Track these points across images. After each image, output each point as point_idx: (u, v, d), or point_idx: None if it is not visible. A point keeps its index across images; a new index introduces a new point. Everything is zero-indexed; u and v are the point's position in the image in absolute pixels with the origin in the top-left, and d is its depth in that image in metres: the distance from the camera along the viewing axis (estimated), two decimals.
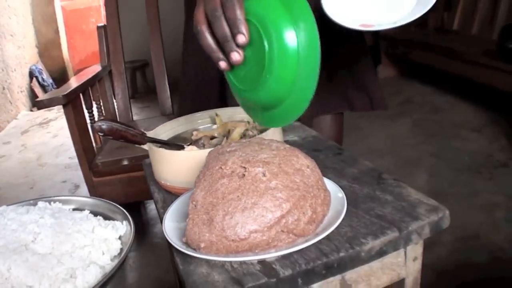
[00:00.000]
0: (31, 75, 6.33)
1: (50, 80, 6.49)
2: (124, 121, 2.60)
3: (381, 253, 0.87)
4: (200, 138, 1.22)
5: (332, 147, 1.29)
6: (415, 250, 0.95)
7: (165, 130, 1.29)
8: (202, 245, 0.79)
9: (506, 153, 3.05)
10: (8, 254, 0.92)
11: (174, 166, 1.09)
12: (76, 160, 3.75)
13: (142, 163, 1.40)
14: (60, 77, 6.78)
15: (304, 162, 0.87)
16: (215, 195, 0.80)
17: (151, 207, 2.87)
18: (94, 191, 2.12)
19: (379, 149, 3.30)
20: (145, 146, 1.17)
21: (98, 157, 2.16)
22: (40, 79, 6.33)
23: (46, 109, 5.76)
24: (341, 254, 0.83)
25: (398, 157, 3.16)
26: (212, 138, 1.25)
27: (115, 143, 2.28)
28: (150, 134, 1.20)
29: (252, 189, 0.79)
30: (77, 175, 3.52)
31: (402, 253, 0.93)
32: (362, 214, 0.93)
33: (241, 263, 0.83)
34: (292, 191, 0.80)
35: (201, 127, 1.36)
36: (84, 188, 3.27)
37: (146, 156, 1.95)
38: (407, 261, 0.95)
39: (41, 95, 6.17)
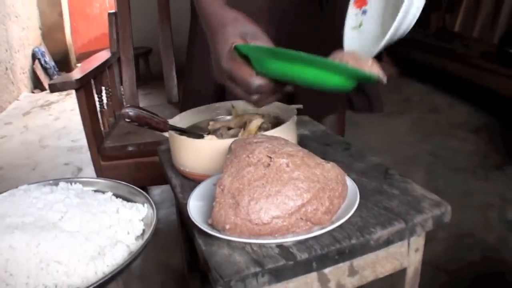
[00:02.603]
0: (34, 57, 6.34)
1: (52, 63, 6.50)
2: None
3: (388, 242, 0.93)
4: (219, 128, 1.27)
5: (341, 142, 1.35)
6: (418, 242, 1.01)
7: (184, 119, 1.34)
8: (227, 227, 0.84)
9: (501, 155, 3.10)
10: (36, 231, 0.94)
11: (194, 154, 1.14)
12: (78, 143, 3.83)
13: (157, 149, 1.44)
14: (62, 60, 6.79)
15: (324, 160, 0.93)
16: (241, 181, 0.86)
17: (154, 192, 2.91)
18: (101, 175, 2.16)
19: (378, 146, 3.34)
20: (166, 134, 1.22)
21: (106, 141, 2.20)
22: (42, 61, 6.33)
23: (47, 91, 5.80)
24: (353, 241, 0.89)
25: (396, 154, 3.20)
26: (229, 128, 1.30)
27: (123, 129, 2.33)
28: (171, 122, 1.25)
29: (276, 178, 0.85)
30: (80, 158, 3.56)
31: (405, 244, 1.00)
32: (371, 206, 0.99)
33: (261, 246, 0.88)
34: (312, 182, 0.86)
35: (218, 117, 1.41)
36: (86, 171, 3.31)
37: (155, 143, 2.01)
38: (410, 252, 1.01)
39: (43, 78, 6.20)
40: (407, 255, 1.02)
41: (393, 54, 5.08)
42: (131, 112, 1.10)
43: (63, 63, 6.77)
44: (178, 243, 1.57)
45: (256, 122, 1.23)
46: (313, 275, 0.93)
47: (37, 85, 6.23)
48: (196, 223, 0.90)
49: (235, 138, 1.07)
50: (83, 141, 3.75)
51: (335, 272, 0.95)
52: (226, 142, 1.10)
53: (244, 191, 0.84)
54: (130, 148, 2.14)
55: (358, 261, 0.96)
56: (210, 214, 0.92)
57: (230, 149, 0.97)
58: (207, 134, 1.26)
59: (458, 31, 4.53)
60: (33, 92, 6.11)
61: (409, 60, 4.92)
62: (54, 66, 6.52)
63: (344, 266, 0.95)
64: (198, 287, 1.64)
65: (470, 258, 2.09)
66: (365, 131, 3.49)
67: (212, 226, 0.89)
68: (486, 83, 3.59)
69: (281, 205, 0.84)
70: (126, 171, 2.14)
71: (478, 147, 3.24)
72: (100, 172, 2.16)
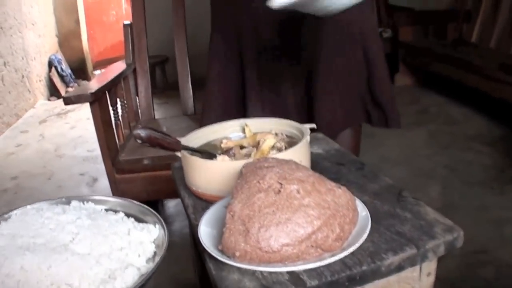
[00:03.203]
0: (50, 64, 6.35)
1: (69, 71, 6.52)
2: (146, 119, 2.66)
3: (399, 268, 0.93)
4: (231, 148, 1.27)
5: (355, 161, 1.34)
6: (430, 266, 1.01)
7: (197, 137, 1.34)
8: (237, 253, 0.85)
9: None
10: (48, 253, 0.95)
11: (207, 175, 1.14)
12: (94, 153, 3.84)
13: (171, 166, 1.44)
14: (79, 68, 6.81)
15: (336, 184, 0.93)
16: (251, 208, 0.86)
17: (168, 204, 2.90)
18: (116, 188, 2.17)
19: (393, 158, 3.33)
20: (178, 153, 1.22)
21: (121, 154, 2.21)
22: (59, 69, 6.35)
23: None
24: (363, 267, 0.89)
25: (412, 167, 3.19)
26: (242, 147, 1.30)
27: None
28: (182, 140, 1.25)
29: (287, 205, 0.85)
30: (95, 168, 3.56)
31: (417, 268, 0.99)
32: (383, 230, 0.99)
33: (271, 272, 0.88)
34: (323, 209, 0.86)
35: (231, 135, 1.40)
36: (102, 182, 3.31)
37: (170, 156, 2.00)
38: (422, 276, 1.01)
39: (60, 85, 6.22)
40: (418, 279, 1.01)
41: (409, 64, 5.07)
42: (142, 133, 1.11)
43: (80, 70, 6.78)
44: (192, 257, 1.56)
45: (269, 142, 1.23)
46: None
47: (53, 92, 6.25)
48: (207, 249, 0.90)
49: (247, 160, 1.07)
50: (99, 151, 3.77)
51: None
52: (238, 163, 1.10)
53: (254, 218, 0.84)
54: (145, 162, 2.14)
55: (369, 286, 0.95)
56: (220, 239, 0.92)
57: (241, 173, 0.97)
58: (220, 153, 1.26)
59: (475, 41, 4.51)
60: (49, 100, 6.13)
61: (425, 71, 4.90)
62: (71, 74, 6.54)
63: None
64: None
65: (484, 275, 2.07)
66: (380, 142, 3.47)
67: (222, 251, 0.89)
68: (503, 95, 3.57)
69: (291, 233, 0.84)
70: (141, 185, 2.14)
71: (494, 161, 3.21)
72: (115, 185, 2.16)
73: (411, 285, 1.01)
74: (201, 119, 1.95)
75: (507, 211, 2.54)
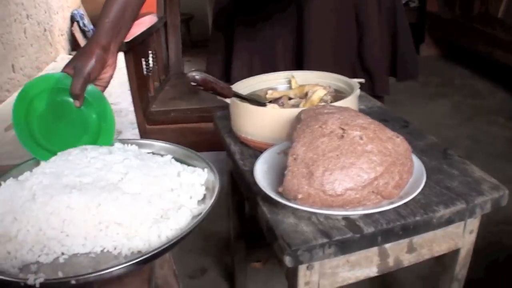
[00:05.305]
0: (73, 19, 6.33)
1: (91, 26, 6.49)
2: (175, 72, 2.66)
3: (448, 221, 0.94)
4: (280, 97, 1.27)
5: (398, 119, 1.35)
6: (473, 223, 1.03)
7: (243, 87, 1.34)
8: (300, 196, 0.85)
9: None
10: (96, 191, 0.93)
11: (258, 122, 1.15)
12: (118, 106, 3.83)
13: (213, 116, 1.44)
14: None
15: (394, 133, 0.93)
16: (315, 151, 0.86)
17: None
18: (145, 138, 2.17)
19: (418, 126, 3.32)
20: (228, 100, 1.22)
21: (152, 105, 2.21)
22: (81, 24, 6.33)
23: None
24: (417, 218, 0.90)
25: (435, 136, 3.17)
26: (289, 98, 1.30)
27: (168, 94, 2.33)
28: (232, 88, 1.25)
29: (351, 150, 0.85)
30: (120, 122, 3.55)
31: (462, 224, 1.01)
32: (433, 184, 1.00)
33: (327, 217, 0.89)
34: (384, 156, 0.86)
35: (276, 86, 1.41)
36: (126, 135, 3.32)
37: (201, 109, 2.02)
38: (465, 233, 1.03)
39: (81, 40, 6.21)
40: (462, 236, 1.03)
41: (435, 35, 5.02)
42: (197, 76, 1.10)
43: None
44: (225, 210, 1.57)
45: (319, 92, 1.22)
46: (374, 249, 0.94)
47: (74, 47, 6.24)
48: (265, 191, 0.90)
49: (301, 108, 1.07)
50: (123, 105, 3.78)
51: (394, 248, 0.95)
52: (290, 111, 1.10)
53: (318, 161, 0.85)
54: (176, 113, 2.15)
55: (417, 239, 0.97)
56: (276, 182, 0.92)
57: (299, 119, 0.96)
58: (269, 102, 1.26)
59: (501, 17, 4.45)
60: (70, 54, 6.11)
61: (450, 43, 4.85)
62: (93, 29, 6.51)
63: (403, 242, 0.96)
64: (243, 254, 1.66)
65: (506, 243, 2.08)
66: (406, 111, 3.46)
67: (280, 194, 0.89)
68: None
69: (355, 178, 0.84)
70: (171, 136, 2.14)
71: None
72: (145, 136, 2.17)
73: (455, 241, 1.03)
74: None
75: None
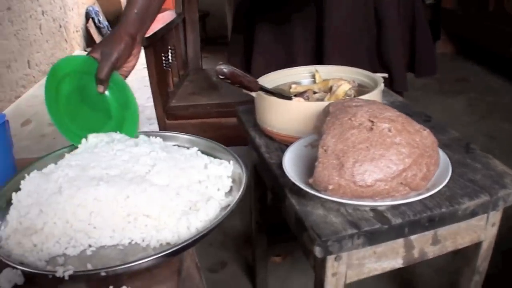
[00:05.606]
0: (88, 16, 6.36)
1: (106, 23, 6.52)
2: (194, 67, 2.68)
3: (473, 213, 0.96)
4: (306, 91, 1.28)
5: (420, 114, 1.36)
6: (495, 216, 1.04)
7: (267, 81, 1.34)
8: (331, 187, 0.86)
9: None
10: (124, 184, 0.92)
11: (284, 115, 1.16)
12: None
13: (236, 110, 1.46)
14: (116, 20, 6.77)
15: (421, 125, 0.94)
16: (345, 143, 0.87)
17: None
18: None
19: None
20: (253, 93, 1.23)
21: (172, 100, 2.23)
22: (96, 21, 6.36)
23: None
24: (443, 210, 0.91)
25: None
26: (314, 92, 1.31)
27: (188, 89, 2.35)
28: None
29: (380, 142, 0.86)
30: None
31: (484, 217, 1.02)
32: (456, 177, 1.01)
33: (355, 209, 0.91)
34: (413, 148, 0.88)
35: (300, 80, 1.42)
36: (144, 130, 3.34)
37: (221, 104, 2.04)
38: (487, 226, 1.04)
39: (96, 37, 6.23)
40: (484, 228, 1.04)
41: (450, 32, 5.01)
42: (225, 69, 1.12)
43: (117, 23, 6.75)
44: (244, 205, 1.58)
45: (344, 86, 1.24)
46: (400, 241, 0.95)
47: (90, 44, 6.27)
48: (296, 182, 0.92)
49: (327, 102, 1.08)
50: (139, 101, 3.78)
51: (420, 239, 0.97)
52: (316, 104, 1.11)
53: (348, 152, 0.86)
54: (196, 108, 2.16)
55: (441, 231, 0.98)
56: (304, 175, 0.94)
57: (327, 112, 0.98)
58: (294, 96, 1.27)
59: None
60: (85, 51, 6.13)
61: (466, 40, 4.84)
62: (108, 26, 6.54)
63: (428, 234, 0.97)
64: (264, 248, 1.67)
65: None
66: (422, 107, 3.46)
67: (310, 186, 0.90)
68: None
69: (384, 169, 0.85)
70: (191, 131, 2.14)
71: None
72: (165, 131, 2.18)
73: (477, 234, 1.04)
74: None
75: None
